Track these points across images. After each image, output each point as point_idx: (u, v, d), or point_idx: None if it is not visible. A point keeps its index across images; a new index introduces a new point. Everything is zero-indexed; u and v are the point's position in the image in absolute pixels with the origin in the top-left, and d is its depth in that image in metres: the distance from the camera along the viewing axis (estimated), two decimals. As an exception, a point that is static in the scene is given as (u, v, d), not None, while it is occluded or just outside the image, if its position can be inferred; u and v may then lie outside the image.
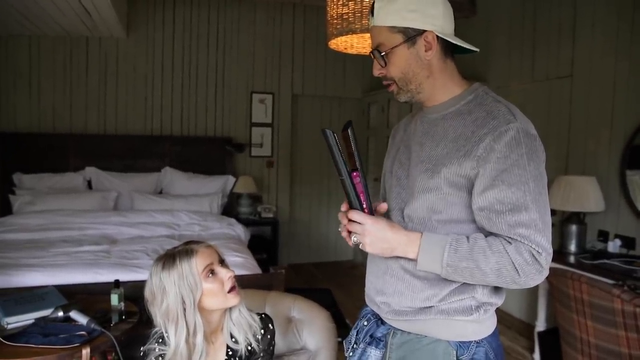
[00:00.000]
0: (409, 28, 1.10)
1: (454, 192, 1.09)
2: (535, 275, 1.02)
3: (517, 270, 1.00)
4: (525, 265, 1.00)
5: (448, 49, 1.15)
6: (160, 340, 1.31)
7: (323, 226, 5.84)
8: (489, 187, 1.03)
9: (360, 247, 1.07)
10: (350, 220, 1.08)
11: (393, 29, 1.11)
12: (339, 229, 1.13)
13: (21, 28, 4.27)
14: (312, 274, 5.37)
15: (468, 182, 1.07)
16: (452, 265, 1.03)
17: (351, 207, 1.08)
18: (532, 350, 3.23)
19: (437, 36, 1.11)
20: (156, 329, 1.32)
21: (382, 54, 1.13)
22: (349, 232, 1.10)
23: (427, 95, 1.17)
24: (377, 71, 1.17)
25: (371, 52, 1.16)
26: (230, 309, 1.36)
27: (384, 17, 1.11)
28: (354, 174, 1.05)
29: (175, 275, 1.25)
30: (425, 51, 1.11)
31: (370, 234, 1.05)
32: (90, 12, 3.80)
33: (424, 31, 1.10)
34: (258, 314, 1.43)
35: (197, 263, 1.27)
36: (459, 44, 1.13)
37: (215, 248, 1.36)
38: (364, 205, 1.07)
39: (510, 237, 1.01)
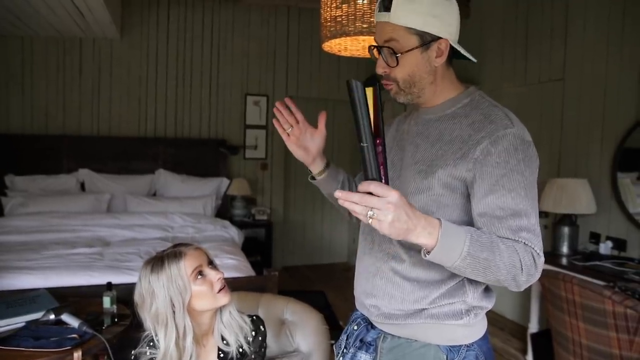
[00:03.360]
0: (427, 33, 1.07)
1: (447, 194, 1.08)
2: (531, 278, 1.01)
3: (522, 269, 0.98)
4: (529, 265, 0.99)
5: (450, 56, 1.15)
6: (151, 344, 1.31)
7: (317, 228, 5.83)
8: (488, 192, 1.02)
9: (374, 225, 0.87)
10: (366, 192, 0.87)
11: (410, 30, 1.07)
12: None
13: (13, 29, 4.25)
14: (306, 276, 5.37)
15: (462, 184, 1.07)
16: (472, 255, 0.93)
17: (367, 179, 0.88)
18: (524, 352, 3.24)
19: (449, 45, 1.10)
20: (147, 333, 1.32)
21: (396, 55, 1.08)
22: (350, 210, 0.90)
23: (426, 99, 1.17)
24: (381, 69, 1.13)
25: (377, 47, 1.11)
26: (221, 310, 1.35)
27: (405, 15, 1.06)
28: (377, 141, 0.88)
29: (164, 278, 1.25)
30: (436, 57, 1.10)
31: (396, 209, 0.85)
32: (84, 13, 3.79)
33: (439, 38, 1.09)
34: (249, 315, 1.43)
35: (186, 265, 1.27)
36: (466, 55, 1.12)
37: (204, 250, 1.35)
38: (383, 180, 0.89)
39: (514, 240, 1.00)
